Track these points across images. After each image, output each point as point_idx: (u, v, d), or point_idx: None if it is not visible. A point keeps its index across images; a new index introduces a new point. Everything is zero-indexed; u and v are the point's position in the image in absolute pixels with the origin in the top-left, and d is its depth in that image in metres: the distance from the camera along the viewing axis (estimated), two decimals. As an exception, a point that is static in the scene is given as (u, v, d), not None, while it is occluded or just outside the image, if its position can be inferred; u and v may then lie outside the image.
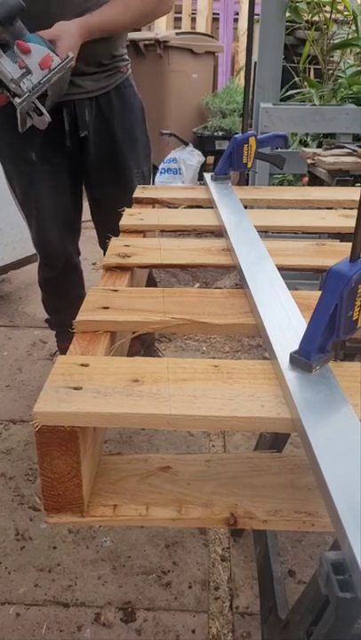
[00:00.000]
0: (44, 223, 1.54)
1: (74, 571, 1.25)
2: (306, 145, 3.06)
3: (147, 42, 3.91)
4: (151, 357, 0.61)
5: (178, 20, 5.20)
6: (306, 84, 2.97)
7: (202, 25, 5.04)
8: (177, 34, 4.01)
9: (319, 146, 2.48)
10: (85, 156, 1.47)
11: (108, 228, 1.06)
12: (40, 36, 1.18)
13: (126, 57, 1.49)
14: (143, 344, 1.84)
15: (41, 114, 1.18)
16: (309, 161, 1.90)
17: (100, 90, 1.42)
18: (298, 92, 2.81)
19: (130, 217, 1.06)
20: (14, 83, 1.14)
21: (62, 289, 1.72)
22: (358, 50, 2.85)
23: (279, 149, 2.06)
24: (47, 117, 1.19)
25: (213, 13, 5.22)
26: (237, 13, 5.19)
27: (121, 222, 1.03)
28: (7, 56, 1.14)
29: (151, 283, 1.72)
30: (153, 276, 1.78)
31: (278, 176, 3.00)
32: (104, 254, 0.92)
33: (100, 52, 1.36)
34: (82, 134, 1.42)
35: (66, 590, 1.20)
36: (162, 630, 1.12)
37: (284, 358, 0.55)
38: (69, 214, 1.60)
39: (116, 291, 0.77)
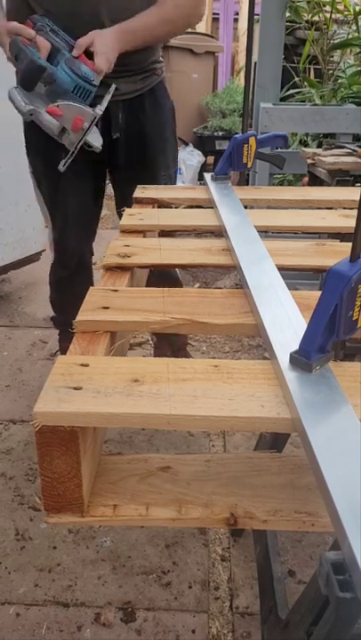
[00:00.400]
0: (66, 224, 1.54)
1: (74, 571, 1.25)
2: (306, 145, 3.06)
3: (147, 42, 3.90)
4: (156, 358, 0.61)
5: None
6: (306, 83, 2.97)
7: (202, 25, 5.04)
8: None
9: (319, 146, 2.48)
10: (115, 157, 1.46)
11: None
12: (71, 66, 1.19)
13: (161, 59, 1.49)
14: (172, 346, 1.82)
15: (90, 146, 1.25)
16: (309, 161, 1.90)
17: (135, 92, 1.41)
18: (298, 92, 2.81)
19: (130, 217, 1.06)
20: (58, 138, 1.21)
21: (72, 288, 1.71)
22: (358, 50, 2.85)
23: (279, 149, 2.06)
24: (98, 148, 1.26)
25: (213, 13, 5.22)
26: (237, 13, 5.19)
27: (121, 222, 1.03)
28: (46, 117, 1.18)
29: (173, 282, 1.69)
30: (177, 276, 1.76)
31: (278, 176, 3.00)
32: None
33: (139, 55, 1.36)
34: (114, 136, 1.41)
35: (66, 590, 1.20)
36: (162, 630, 1.12)
37: (284, 358, 0.55)
38: (90, 215, 1.60)
39: (116, 291, 0.77)
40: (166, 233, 1.07)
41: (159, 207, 1.19)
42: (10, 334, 2.26)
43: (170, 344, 1.81)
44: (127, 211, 1.10)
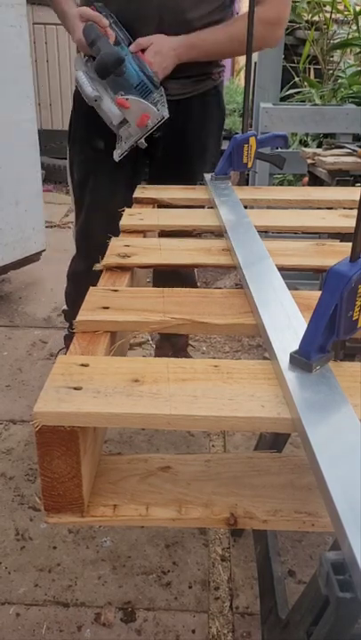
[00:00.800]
0: (93, 213, 1.51)
1: (74, 571, 1.25)
2: (306, 145, 3.06)
3: (147, 42, 3.91)
4: (156, 358, 0.61)
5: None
6: (306, 83, 2.98)
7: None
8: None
9: (319, 146, 2.48)
10: (155, 155, 1.44)
11: None
12: (137, 59, 1.22)
13: (222, 63, 1.44)
14: (174, 347, 1.81)
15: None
16: (309, 161, 1.90)
17: (184, 94, 1.37)
18: (298, 92, 2.81)
19: (130, 217, 1.06)
20: (115, 128, 1.22)
21: (89, 283, 1.69)
22: (358, 50, 2.85)
23: (279, 149, 2.06)
24: (143, 144, 1.28)
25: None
26: (237, 13, 5.18)
27: (121, 222, 1.03)
28: (111, 104, 1.20)
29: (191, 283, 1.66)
30: (194, 279, 1.71)
31: (278, 176, 3.00)
32: None
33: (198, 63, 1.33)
34: (155, 135, 1.36)
35: (66, 590, 1.20)
36: (162, 630, 1.12)
37: (284, 358, 0.55)
38: (119, 208, 1.59)
39: (116, 291, 0.77)
40: (166, 233, 1.07)
41: (159, 207, 1.19)
42: (10, 334, 2.26)
43: (171, 344, 1.80)
44: (127, 211, 1.10)
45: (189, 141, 1.43)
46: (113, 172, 1.43)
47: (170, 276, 1.11)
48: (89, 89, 1.19)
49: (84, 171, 1.48)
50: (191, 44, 1.27)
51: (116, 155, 1.24)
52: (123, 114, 1.20)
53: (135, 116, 1.20)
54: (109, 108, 1.20)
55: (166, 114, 1.24)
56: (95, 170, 1.44)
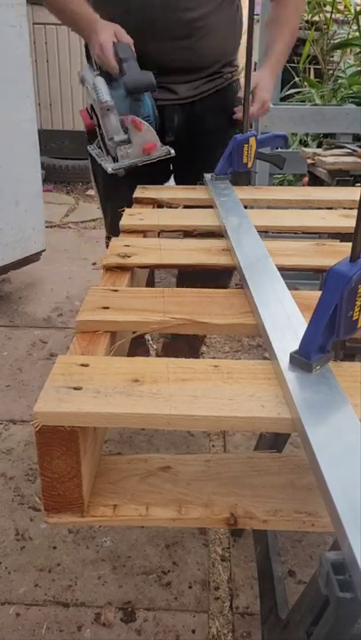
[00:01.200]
0: (118, 220, 1.51)
1: (74, 571, 1.25)
2: (306, 145, 3.06)
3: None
4: (156, 358, 0.60)
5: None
6: (306, 83, 2.98)
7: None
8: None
9: (319, 146, 2.48)
10: (174, 157, 1.37)
11: None
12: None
13: (235, 62, 1.43)
14: (191, 348, 1.80)
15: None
16: (309, 161, 1.90)
17: (196, 96, 1.36)
18: (298, 92, 2.81)
19: (130, 217, 1.06)
20: (111, 143, 1.21)
21: None
22: (358, 50, 2.85)
23: (279, 149, 2.06)
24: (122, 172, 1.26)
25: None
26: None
27: (121, 222, 1.03)
28: (116, 120, 1.20)
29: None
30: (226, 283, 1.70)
31: (278, 176, 3.00)
32: None
33: (206, 60, 1.32)
34: (167, 139, 1.36)
35: (66, 590, 1.20)
36: (162, 630, 1.12)
37: (284, 358, 0.55)
38: None
39: (116, 291, 0.77)
40: (166, 234, 1.07)
41: (159, 207, 1.19)
42: (10, 334, 2.26)
43: (188, 345, 1.77)
44: (127, 211, 1.10)
45: (208, 139, 1.41)
46: (133, 179, 1.39)
47: (197, 276, 1.05)
48: (104, 96, 1.18)
49: (107, 180, 1.43)
50: (277, 64, 1.35)
51: (110, 168, 1.23)
52: (129, 135, 1.20)
53: (141, 141, 1.21)
54: (114, 122, 1.20)
55: (173, 152, 1.25)
56: (117, 181, 1.43)
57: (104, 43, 1.19)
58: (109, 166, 1.22)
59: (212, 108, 1.39)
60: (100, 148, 1.30)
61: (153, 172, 1.32)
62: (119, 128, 1.21)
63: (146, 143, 1.21)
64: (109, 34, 1.21)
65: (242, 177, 1.27)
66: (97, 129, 1.26)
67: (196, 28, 1.27)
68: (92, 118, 1.27)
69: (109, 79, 1.21)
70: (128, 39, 1.21)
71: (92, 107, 1.25)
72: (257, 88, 1.29)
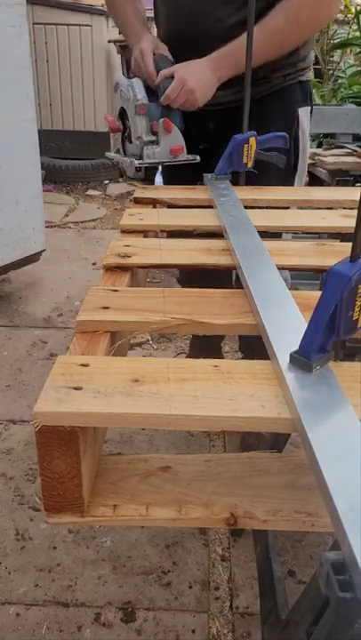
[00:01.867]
0: None
1: (74, 571, 1.25)
2: (306, 145, 3.05)
3: (147, 42, 3.91)
4: (156, 358, 0.60)
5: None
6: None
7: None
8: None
9: (319, 146, 2.48)
10: (207, 165, 1.30)
11: None
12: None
13: (290, 66, 1.30)
14: (213, 346, 1.81)
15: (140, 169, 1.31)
16: (309, 161, 1.90)
17: (236, 102, 1.26)
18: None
19: (130, 217, 1.06)
20: (138, 141, 1.26)
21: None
22: (358, 50, 2.85)
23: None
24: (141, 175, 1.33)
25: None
26: None
27: (121, 222, 1.03)
28: (146, 121, 1.25)
29: None
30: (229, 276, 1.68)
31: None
32: None
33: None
34: (201, 147, 1.32)
35: (66, 590, 1.20)
36: (162, 630, 1.12)
37: (284, 358, 0.55)
38: None
39: (116, 291, 0.77)
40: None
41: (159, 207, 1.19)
42: (10, 334, 2.26)
43: (209, 342, 1.77)
44: (127, 211, 1.10)
45: None
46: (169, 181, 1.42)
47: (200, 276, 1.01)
48: (140, 94, 1.23)
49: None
50: (225, 54, 1.18)
51: (135, 163, 1.27)
52: (157, 137, 1.25)
53: (170, 142, 1.25)
54: (143, 122, 1.25)
55: (198, 158, 1.29)
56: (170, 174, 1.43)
57: (145, 49, 1.24)
58: (135, 161, 1.27)
59: (255, 115, 1.27)
60: (118, 152, 1.35)
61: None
62: (148, 129, 1.26)
63: (173, 145, 1.25)
64: (151, 45, 1.26)
65: (241, 177, 1.27)
66: (121, 134, 1.30)
67: (230, 38, 1.21)
68: (117, 123, 1.31)
69: (145, 88, 1.25)
70: (165, 52, 1.25)
71: (121, 111, 1.29)
72: (180, 67, 1.19)
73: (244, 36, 1.12)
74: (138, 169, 1.29)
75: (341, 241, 1.03)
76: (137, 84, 1.25)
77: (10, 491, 1.46)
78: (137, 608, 1.17)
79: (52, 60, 4.19)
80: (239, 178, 1.26)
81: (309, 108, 1.39)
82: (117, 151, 1.37)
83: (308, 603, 0.46)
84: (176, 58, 1.26)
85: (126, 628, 1.13)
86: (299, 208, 1.16)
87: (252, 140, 1.21)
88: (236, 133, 1.25)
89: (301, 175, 1.43)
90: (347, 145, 1.91)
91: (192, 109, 1.23)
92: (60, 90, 4.29)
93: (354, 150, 1.84)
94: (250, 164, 1.22)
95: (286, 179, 1.36)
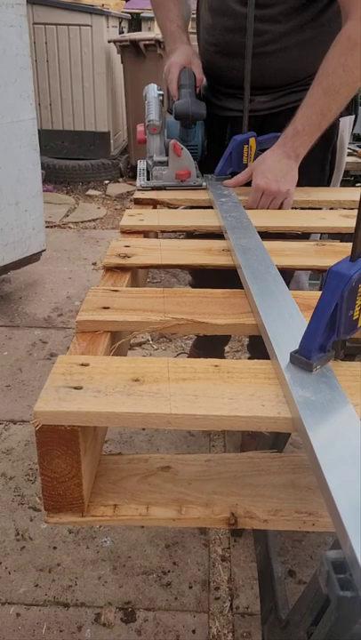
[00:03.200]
0: None
1: (74, 571, 1.25)
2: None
3: (147, 42, 3.91)
4: (156, 358, 0.60)
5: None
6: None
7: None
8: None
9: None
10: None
11: None
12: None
13: None
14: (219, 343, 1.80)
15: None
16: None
17: (272, 109, 1.24)
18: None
19: (130, 217, 1.06)
20: (149, 160, 1.24)
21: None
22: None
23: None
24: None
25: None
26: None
27: (121, 223, 1.03)
28: (160, 141, 1.23)
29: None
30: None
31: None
32: None
33: (280, 77, 1.19)
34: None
35: (66, 590, 1.20)
36: (162, 630, 1.12)
37: (284, 358, 0.55)
38: None
39: (116, 291, 0.77)
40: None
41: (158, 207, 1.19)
42: (10, 334, 2.26)
43: (212, 343, 1.76)
44: (127, 211, 1.10)
45: None
46: None
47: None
48: (155, 115, 1.21)
49: None
50: (294, 132, 1.08)
51: (139, 184, 1.25)
52: (168, 158, 1.22)
53: (177, 167, 1.21)
54: (159, 144, 1.23)
55: (204, 184, 1.22)
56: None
57: (173, 65, 1.22)
58: (139, 182, 1.25)
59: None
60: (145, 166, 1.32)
61: None
62: (162, 149, 1.23)
63: (181, 169, 1.21)
64: (183, 58, 1.22)
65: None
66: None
67: (265, 49, 1.17)
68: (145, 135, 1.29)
69: (172, 103, 1.23)
70: (197, 68, 1.22)
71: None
72: (255, 169, 1.11)
73: (309, 101, 1.06)
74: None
75: (342, 241, 1.03)
76: (152, 102, 1.23)
77: (10, 491, 1.46)
78: (137, 608, 1.17)
79: (52, 60, 4.19)
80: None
81: (354, 116, 1.31)
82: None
83: (308, 602, 0.46)
84: (211, 61, 1.24)
85: (126, 628, 1.13)
86: (300, 208, 1.16)
87: (252, 141, 1.21)
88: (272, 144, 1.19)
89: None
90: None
91: (291, 203, 1.12)
92: (60, 90, 4.29)
93: (354, 150, 1.84)
94: (250, 165, 1.22)
95: None
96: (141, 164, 1.33)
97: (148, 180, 1.25)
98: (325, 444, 0.44)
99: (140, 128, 1.27)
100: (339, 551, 0.36)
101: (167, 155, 1.22)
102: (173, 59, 1.22)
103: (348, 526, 0.36)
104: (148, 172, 1.28)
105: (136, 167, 1.37)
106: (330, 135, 1.20)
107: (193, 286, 1.71)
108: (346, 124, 1.29)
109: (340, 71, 1.03)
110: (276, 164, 1.09)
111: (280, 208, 1.11)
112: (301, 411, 0.48)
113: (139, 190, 1.23)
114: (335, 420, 0.47)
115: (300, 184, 1.13)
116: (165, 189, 1.23)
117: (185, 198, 1.19)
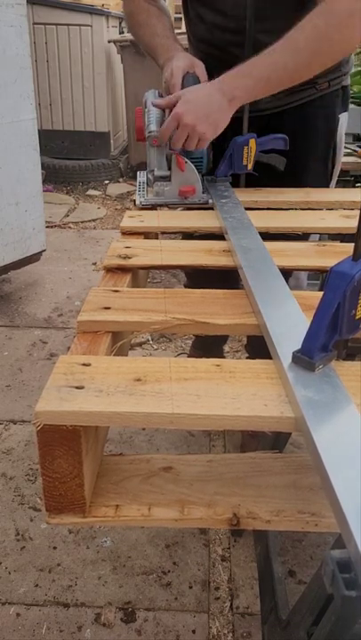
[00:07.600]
0: None
1: (74, 571, 1.25)
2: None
3: (147, 42, 3.91)
4: (158, 357, 0.60)
5: (178, 20, 5.20)
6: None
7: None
8: (177, 34, 4.01)
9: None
10: (249, 175, 1.24)
11: None
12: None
13: (335, 70, 1.19)
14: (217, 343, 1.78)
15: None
16: (310, 161, 1.90)
17: (276, 108, 1.21)
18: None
19: (130, 218, 1.06)
20: (150, 175, 1.14)
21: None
22: (359, 50, 2.85)
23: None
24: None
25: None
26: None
27: (121, 224, 1.03)
28: (161, 153, 1.13)
29: None
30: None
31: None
32: None
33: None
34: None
35: (66, 590, 1.20)
36: (162, 630, 1.12)
37: (286, 357, 0.55)
38: None
39: (117, 291, 0.77)
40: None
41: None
42: (10, 334, 2.26)
43: (213, 347, 1.75)
44: (127, 212, 1.10)
45: (291, 164, 1.23)
46: None
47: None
48: (155, 126, 1.11)
49: None
50: (240, 72, 1.01)
51: (138, 201, 1.15)
52: (170, 172, 1.13)
53: (181, 182, 1.12)
54: (159, 156, 1.13)
55: (210, 202, 1.12)
56: None
57: (175, 69, 1.12)
58: (138, 199, 1.15)
59: (291, 125, 1.21)
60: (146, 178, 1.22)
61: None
62: (163, 162, 1.13)
63: (184, 185, 1.12)
64: (185, 62, 1.13)
65: (242, 178, 1.27)
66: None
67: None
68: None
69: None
70: (201, 72, 1.13)
71: None
72: (181, 97, 1.04)
73: (266, 51, 1.00)
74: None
75: (342, 241, 1.03)
76: (153, 112, 1.12)
77: (10, 491, 1.46)
78: (137, 608, 1.16)
79: (52, 60, 4.19)
80: (240, 179, 1.26)
81: (346, 113, 1.30)
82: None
83: (309, 602, 0.46)
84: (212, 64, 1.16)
85: (126, 628, 1.13)
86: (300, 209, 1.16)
87: (252, 142, 1.21)
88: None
89: (333, 186, 1.35)
90: (347, 145, 1.92)
91: (203, 146, 1.08)
92: (60, 90, 4.29)
93: (354, 150, 1.84)
94: (250, 166, 1.22)
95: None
96: (141, 177, 1.25)
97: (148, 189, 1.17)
98: (329, 444, 0.43)
99: (139, 114, 1.18)
100: (343, 550, 0.35)
101: (169, 168, 1.13)
102: (175, 63, 1.14)
103: (353, 525, 0.36)
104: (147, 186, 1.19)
105: (136, 167, 1.34)
106: (332, 132, 1.19)
107: (187, 287, 1.72)
108: (343, 119, 1.29)
109: (310, 31, 0.98)
110: (204, 98, 1.01)
111: (188, 147, 1.05)
112: (304, 410, 0.47)
113: (139, 209, 1.14)
114: (338, 420, 0.47)
115: (305, 182, 1.10)
116: (168, 207, 1.16)
117: (190, 226, 1.07)
